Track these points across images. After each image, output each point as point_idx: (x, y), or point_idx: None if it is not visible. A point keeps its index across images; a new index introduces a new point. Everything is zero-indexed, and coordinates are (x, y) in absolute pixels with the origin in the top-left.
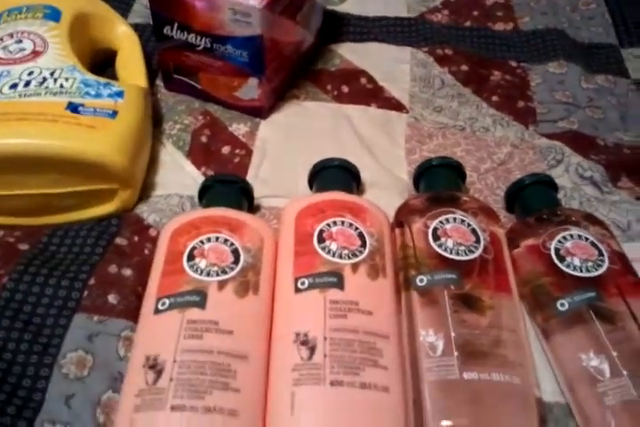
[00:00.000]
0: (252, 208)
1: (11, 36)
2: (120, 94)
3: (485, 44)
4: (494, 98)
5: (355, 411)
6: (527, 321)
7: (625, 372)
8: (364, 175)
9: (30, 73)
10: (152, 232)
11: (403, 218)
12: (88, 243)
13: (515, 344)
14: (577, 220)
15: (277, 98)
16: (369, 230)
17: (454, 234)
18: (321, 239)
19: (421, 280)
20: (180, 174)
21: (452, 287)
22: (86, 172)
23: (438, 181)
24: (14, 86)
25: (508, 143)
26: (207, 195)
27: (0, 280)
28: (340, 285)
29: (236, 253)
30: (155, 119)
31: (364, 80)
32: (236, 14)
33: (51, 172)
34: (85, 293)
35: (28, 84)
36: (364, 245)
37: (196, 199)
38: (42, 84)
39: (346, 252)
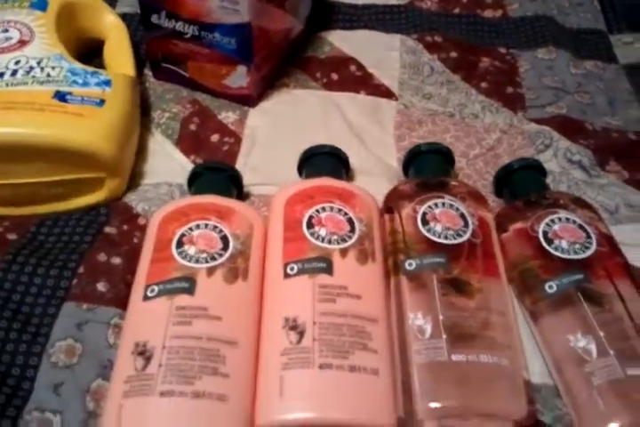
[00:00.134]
0: (242, 196)
1: None
2: (108, 83)
3: (474, 31)
4: (483, 84)
5: (344, 393)
6: (516, 304)
7: (612, 352)
8: (354, 162)
9: (17, 62)
10: (141, 221)
11: (392, 204)
12: (77, 232)
13: (503, 327)
14: (565, 203)
15: (266, 86)
16: (358, 216)
17: (443, 218)
18: (310, 225)
19: (410, 264)
20: (168, 163)
21: (441, 271)
22: (74, 160)
23: (427, 167)
24: (1, 76)
25: (497, 129)
26: (196, 182)
27: None
28: (328, 270)
29: (224, 239)
30: (143, 108)
31: (353, 67)
32: (223, 1)
33: (38, 161)
34: (74, 281)
35: (14, 73)
36: (353, 230)
37: (186, 187)
38: (29, 73)
39: (335, 237)
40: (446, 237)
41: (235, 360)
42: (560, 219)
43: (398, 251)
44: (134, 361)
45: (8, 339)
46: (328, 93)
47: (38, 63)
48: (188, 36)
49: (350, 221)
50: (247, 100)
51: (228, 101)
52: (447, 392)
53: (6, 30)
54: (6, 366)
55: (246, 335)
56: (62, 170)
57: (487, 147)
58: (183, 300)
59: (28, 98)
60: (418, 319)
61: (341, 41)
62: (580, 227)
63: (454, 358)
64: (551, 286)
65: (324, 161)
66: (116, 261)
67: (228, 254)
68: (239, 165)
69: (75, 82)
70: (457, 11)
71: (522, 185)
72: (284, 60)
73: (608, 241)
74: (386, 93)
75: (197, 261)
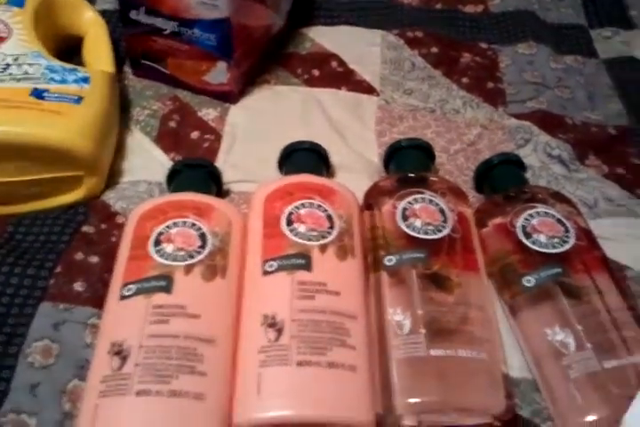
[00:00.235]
0: (221, 193)
1: None
2: (86, 80)
3: (456, 27)
4: (464, 80)
5: (321, 390)
6: (496, 299)
7: (589, 345)
8: (335, 159)
9: None
10: (119, 219)
11: (372, 199)
12: (55, 231)
13: (482, 321)
14: (544, 197)
15: (247, 82)
16: (338, 212)
17: (422, 214)
18: (289, 222)
19: (390, 260)
20: (148, 160)
21: (420, 266)
22: (51, 159)
23: (407, 163)
24: None
25: (477, 124)
26: (175, 180)
27: None
28: (307, 266)
29: (203, 237)
30: (122, 105)
31: (334, 63)
32: None
33: (15, 159)
34: (52, 281)
35: None
36: (332, 226)
37: (165, 185)
38: (5, 70)
39: (314, 233)
40: (426, 233)
41: (212, 358)
42: (539, 213)
43: (378, 247)
44: (110, 361)
45: None
46: (309, 90)
47: (15, 60)
48: (168, 32)
49: (330, 218)
50: (228, 96)
51: (208, 98)
52: (426, 387)
53: None
54: None
55: (224, 333)
56: (40, 169)
57: (468, 142)
58: (160, 298)
59: (5, 95)
60: (397, 315)
61: (322, 37)
62: (559, 221)
63: (433, 353)
64: (529, 280)
65: (304, 157)
66: (94, 260)
67: (206, 252)
68: (219, 162)
69: (52, 79)
70: (438, 6)
71: (501, 180)
72: (265, 57)
73: (586, 235)
74: (367, 89)
75: (175, 259)
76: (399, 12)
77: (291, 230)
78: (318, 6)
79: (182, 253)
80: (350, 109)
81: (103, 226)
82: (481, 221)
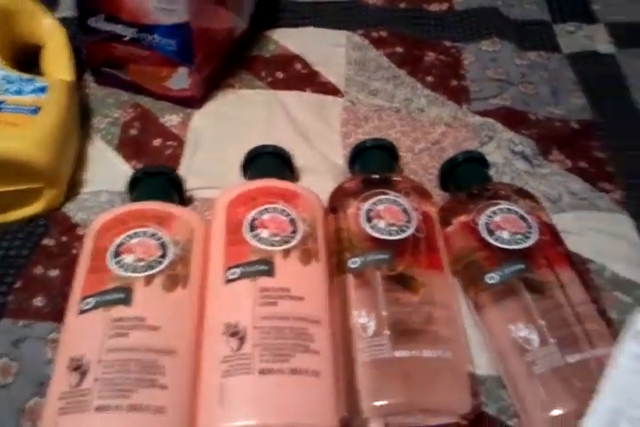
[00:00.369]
0: (184, 200)
1: None
2: (43, 90)
3: (420, 25)
4: (429, 78)
5: (285, 398)
6: (462, 297)
7: (553, 340)
8: (300, 161)
9: None
10: (80, 231)
11: (337, 202)
12: (15, 245)
13: (447, 320)
14: (507, 194)
15: (210, 87)
16: (301, 216)
17: (386, 215)
18: (252, 227)
19: (354, 262)
20: (109, 170)
21: (385, 267)
22: (9, 171)
23: (371, 163)
24: None
25: (442, 123)
26: (135, 189)
27: None
28: (270, 272)
29: (163, 246)
30: (83, 114)
31: (299, 65)
32: (160, 2)
33: None
34: (11, 297)
35: None
36: (295, 231)
37: (126, 195)
38: None
39: (277, 239)
40: (390, 234)
41: (174, 370)
42: (501, 210)
43: (343, 249)
44: (69, 377)
45: None
46: (273, 93)
47: None
48: (128, 38)
49: (293, 222)
50: (190, 101)
51: (170, 104)
52: (391, 389)
53: None
54: None
55: (186, 344)
56: None
57: (432, 141)
58: (119, 311)
59: None
60: (361, 317)
61: (287, 39)
62: (522, 217)
63: (397, 354)
64: (493, 277)
65: (268, 162)
66: (54, 273)
67: (167, 262)
68: (182, 169)
69: (7, 90)
70: (403, 5)
71: (465, 178)
72: (229, 60)
73: (549, 230)
74: (332, 91)
75: (135, 270)
76: (364, 13)
77: (253, 236)
78: (283, 8)
79: (142, 263)
80: (315, 111)
81: (64, 238)
82: (445, 220)
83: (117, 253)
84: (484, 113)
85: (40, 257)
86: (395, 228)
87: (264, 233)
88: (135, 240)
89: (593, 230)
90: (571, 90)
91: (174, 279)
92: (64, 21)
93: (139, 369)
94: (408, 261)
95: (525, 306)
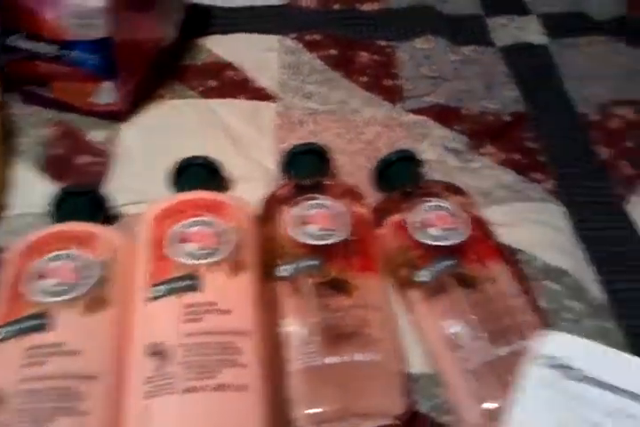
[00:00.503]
0: (109, 217)
1: None
2: None
3: (353, 26)
4: (363, 79)
5: (209, 415)
6: (395, 297)
7: (484, 334)
8: (232, 170)
9: None
10: (6, 255)
11: (269, 209)
12: None
13: (380, 322)
14: (437, 191)
15: (138, 99)
16: (229, 227)
17: (317, 220)
18: (177, 242)
19: (285, 270)
20: (33, 192)
21: (316, 274)
22: None
23: (302, 168)
24: None
25: (376, 123)
26: (57, 210)
27: None
28: (195, 287)
29: (85, 268)
30: (8, 134)
31: (231, 72)
32: (78, 18)
33: None
34: None
35: None
36: (222, 242)
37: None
38: None
39: (203, 252)
40: (321, 239)
41: (95, 396)
42: (431, 207)
43: (275, 257)
44: None
45: None
46: (205, 101)
47: None
48: (49, 56)
49: (219, 234)
50: (118, 115)
51: (97, 120)
52: (324, 397)
53: None
54: None
55: (108, 368)
56: None
57: (367, 141)
58: (34, 339)
59: None
60: (292, 325)
61: (218, 46)
62: (452, 213)
63: (327, 360)
64: (425, 275)
65: (195, 173)
66: None
67: (88, 284)
68: (111, 185)
69: None
70: (336, 6)
71: (397, 177)
72: (159, 71)
73: (480, 225)
74: (265, 96)
75: (54, 294)
76: (297, 16)
77: (178, 251)
78: (214, 15)
79: (62, 287)
80: (248, 118)
81: None
82: (379, 220)
83: (36, 278)
84: (417, 111)
85: None
86: (326, 232)
87: (189, 247)
88: (54, 264)
89: (525, 221)
90: (504, 83)
91: (97, 301)
92: None
93: (55, 398)
94: (340, 265)
95: (457, 302)
